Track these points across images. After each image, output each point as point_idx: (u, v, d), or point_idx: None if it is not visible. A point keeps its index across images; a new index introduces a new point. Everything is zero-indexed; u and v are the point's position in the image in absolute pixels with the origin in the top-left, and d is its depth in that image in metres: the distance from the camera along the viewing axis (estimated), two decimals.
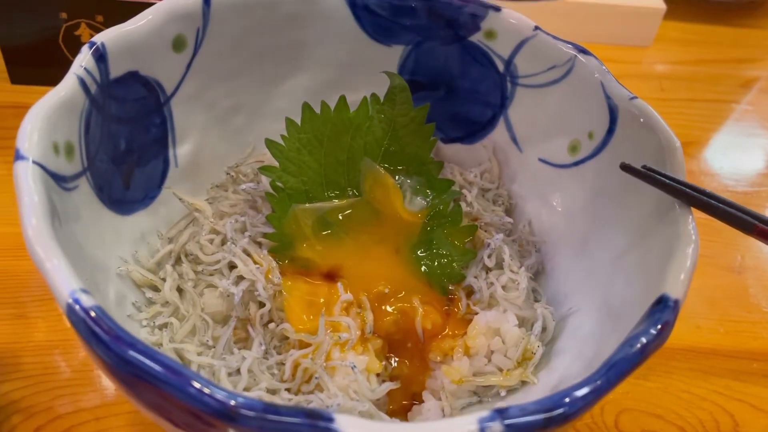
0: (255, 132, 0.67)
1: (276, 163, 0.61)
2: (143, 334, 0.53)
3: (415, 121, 0.64)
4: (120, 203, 0.57)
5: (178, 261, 0.58)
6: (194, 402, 0.34)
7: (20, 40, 0.83)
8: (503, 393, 0.55)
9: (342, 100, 0.62)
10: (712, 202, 0.49)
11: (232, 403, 0.34)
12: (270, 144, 0.60)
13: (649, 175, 0.51)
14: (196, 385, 0.34)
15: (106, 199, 0.55)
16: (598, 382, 0.38)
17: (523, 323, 0.58)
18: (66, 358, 0.62)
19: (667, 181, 0.50)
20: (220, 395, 0.34)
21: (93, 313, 0.37)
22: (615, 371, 0.39)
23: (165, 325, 0.55)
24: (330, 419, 0.34)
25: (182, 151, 0.64)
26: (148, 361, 0.35)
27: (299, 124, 0.61)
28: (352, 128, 0.62)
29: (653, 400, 0.64)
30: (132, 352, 0.35)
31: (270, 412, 0.34)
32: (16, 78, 0.87)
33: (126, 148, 0.58)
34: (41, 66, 0.85)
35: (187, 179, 0.64)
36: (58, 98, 0.49)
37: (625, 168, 0.53)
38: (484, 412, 0.35)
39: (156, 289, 0.57)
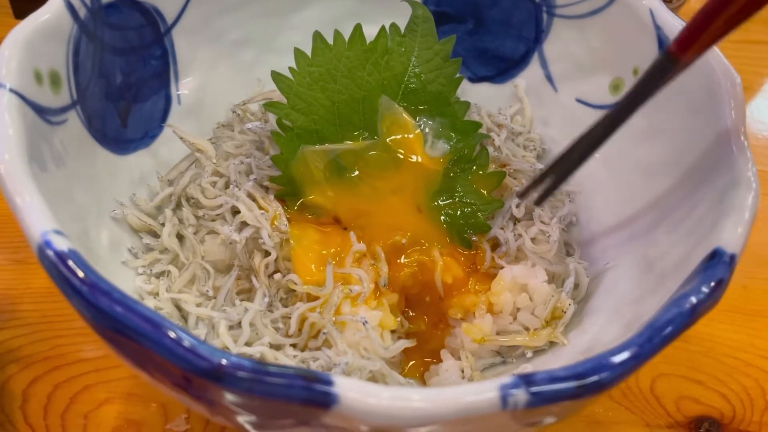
0: (265, 67, 0.61)
1: (284, 100, 0.55)
2: (138, 282, 0.49)
3: (440, 55, 0.58)
4: (117, 141, 0.53)
5: (178, 205, 0.54)
6: (176, 359, 0.30)
7: None
8: (529, 354, 0.51)
9: (358, 29, 0.57)
10: None
11: (223, 362, 0.30)
12: (277, 77, 0.55)
13: None
14: (179, 340, 0.30)
15: (101, 136, 0.51)
16: (640, 347, 0.34)
17: (554, 279, 0.54)
18: (66, 305, 0.57)
19: None
20: (204, 352, 0.30)
21: (66, 257, 0.33)
22: (660, 334, 0.34)
23: (163, 273, 0.51)
24: (329, 382, 0.30)
25: (185, 86, 0.60)
26: (125, 312, 0.31)
27: (310, 56, 0.56)
28: (369, 62, 0.57)
29: (693, 364, 0.59)
30: (108, 302, 0.31)
31: (261, 373, 0.30)
32: (20, 13, 0.83)
33: (122, 82, 0.54)
34: None
35: (191, 117, 0.60)
36: (41, 22, 0.44)
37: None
38: (507, 378, 0.31)
39: (155, 234, 0.53)
